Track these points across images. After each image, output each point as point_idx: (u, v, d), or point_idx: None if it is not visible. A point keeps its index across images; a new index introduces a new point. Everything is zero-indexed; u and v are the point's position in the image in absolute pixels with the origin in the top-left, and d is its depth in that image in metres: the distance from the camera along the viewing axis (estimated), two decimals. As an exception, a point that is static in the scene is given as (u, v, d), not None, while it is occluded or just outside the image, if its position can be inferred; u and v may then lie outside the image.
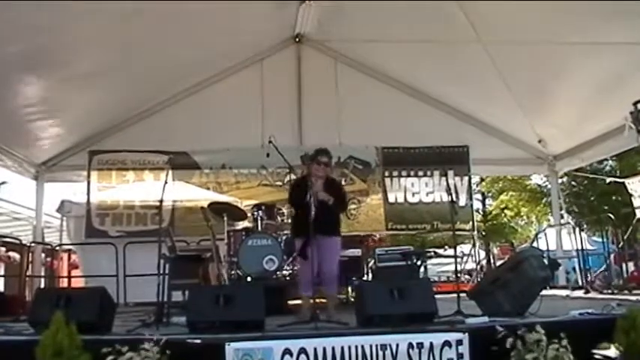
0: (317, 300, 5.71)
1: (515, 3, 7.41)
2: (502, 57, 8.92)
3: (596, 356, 4.26)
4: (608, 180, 16.20)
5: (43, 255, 10.38)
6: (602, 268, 10.33)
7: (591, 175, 17.14)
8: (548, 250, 10.26)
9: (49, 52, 7.28)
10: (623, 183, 11.50)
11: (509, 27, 8.14)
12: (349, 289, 9.00)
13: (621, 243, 10.58)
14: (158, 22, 7.75)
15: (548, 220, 18.79)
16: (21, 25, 6.43)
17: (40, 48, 7.06)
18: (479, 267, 12.57)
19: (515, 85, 9.48)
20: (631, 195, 10.48)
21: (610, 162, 18.53)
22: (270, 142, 7.49)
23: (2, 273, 9.77)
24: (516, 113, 10.12)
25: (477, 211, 21.20)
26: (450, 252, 9.96)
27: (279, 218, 8.25)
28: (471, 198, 11.27)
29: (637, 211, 10.15)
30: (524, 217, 23.67)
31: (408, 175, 10.90)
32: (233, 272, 7.38)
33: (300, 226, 6.15)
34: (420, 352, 4.22)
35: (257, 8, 8.48)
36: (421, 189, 10.86)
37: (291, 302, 7.14)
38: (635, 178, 10.87)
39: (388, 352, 4.20)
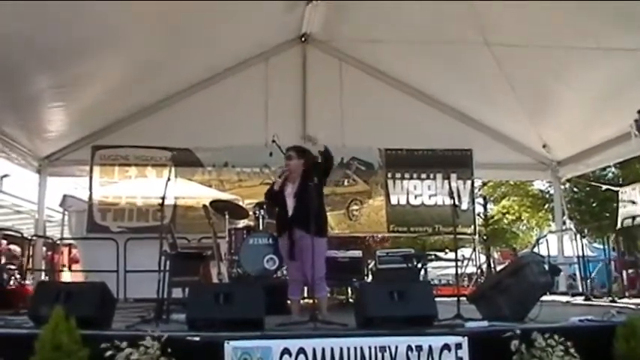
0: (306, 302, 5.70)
1: (522, 6, 7.40)
2: (508, 61, 8.89)
3: None
4: (604, 187, 16.23)
5: (44, 249, 10.39)
6: (593, 274, 10.34)
7: (592, 183, 17.13)
8: (549, 256, 10.24)
9: (60, 49, 7.30)
10: (617, 192, 11.57)
11: (516, 30, 8.12)
12: (349, 289, 9.02)
13: (621, 249, 10.58)
14: (163, 20, 7.75)
15: (550, 226, 18.78)
16: (34, 24, 6.46)
17: (50, 45, 7.08)
18: (479, 271, 12.54)
19: (521, 90, 9.46)
20: (631, 203, 10.50)
21: (612, 169, 18.49)
22: (273, 141, 7.49)
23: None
24: (521, 118, 10.10)
25: (479, 215, 21.15)
26: (451, 255, 9.93)
27: (280, 218, 8.23)
28: (473, 202, 11.27)
29: (621, 220, 10.19)
30: (526, 223, 23.62)
31: (411, 178, 10.89)
32: (234, 270, 7.37)
33: (279, 223, 6.25)
34: (419, 355, 4.22)
35: (264, 8, 8.48)
36: (423, 191, 10.85)
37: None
38: (628, 187, 10.90)
39: (387, 354, 4.20)
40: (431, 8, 8.17)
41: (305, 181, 5.89)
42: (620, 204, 10.91)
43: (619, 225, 10.15)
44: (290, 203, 5.99)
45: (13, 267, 9.30)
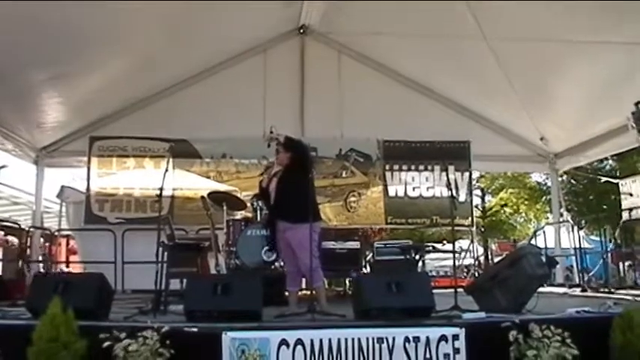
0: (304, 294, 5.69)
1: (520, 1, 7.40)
2: (506, 53, 8.88)
3: None
4: (603, 179, 16.25)
5: (41, 240, 10.38)
6: (596, 269, 10.35)
7: (590, 175, 17.17)
8: (546, 248, 10.27)
9: (58, 42, 7.27)
10: (617, 184, 11.56)
11: (514, 24, 8.10)
12: (347, 281, 9.04)
13: (613, 241, 10.61)
14: (161, 11, 7.71)
15: (547, 218, 18.83)
16: (31, 17, 6.43)
17: (48, 39, 7.06)
18: (477, 263, 12.59)
19: (519, 82, 9.44)
20: (629, 195, 10.50)
21: (610, 161, 18.53)
22: (271, 132, 7.48)
23: (0, 257, 9.76)
24: (519, 110, 10.09)
25: (477, 207, 21.21)
26: (449, 247, 9.96)
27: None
28: (470, 194, 11.25)
29: (625, 212, 10.19)
30: (523, 215, 23.70)
31: (409, 169, 10.87)
32: (231, 262, 7.38)
33: (269, 216, 6.27)
34: (416, 346, 4.24)
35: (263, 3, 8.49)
36: (421, 183, 10.83)
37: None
38: (629, 179, 10.90)
39: (385, 345, 4.22)
40: (430, 2, 8.15)
41: (285, 174, 5.90)
42: (622, 196, 10.90)
43: (624, 217, 10.11)
44: (272, 197, 5.99)
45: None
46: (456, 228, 9.39)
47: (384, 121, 10.59)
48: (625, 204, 10.54)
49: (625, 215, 10.16)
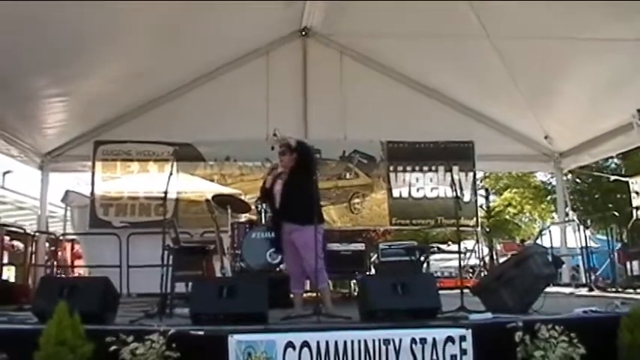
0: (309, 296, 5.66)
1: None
2: (510, 53, 8.87)
3: None
4: (612, 178, 16.17)
5: (47, 244, 10.40)
6: (602, 269, 10.30)
7: (596, 173, 17.10)
8: (552, 248, 10.24)
9: (57, 43, 7.26)
10: (627, 182, 11.48)
11: (517, 23, 8.09)
12: (352, 283, 9.03)
13: (624, 241, 10.53)
14: (163, 15, 7.72)
15: (552, 218, 18.77)
16: (31, 17, 6.43)
17: (48, 39, 7.06)
18: (482, 263, 12.54)
19: (523, 81, 9.43)
20: (635, 194, 10.43)
21: (615, 160, 18.47)
22: (274, 134, 7.48)
23: (6, 261, 9.78)
24: (523, 109, 10.07)
25: (481, 207, 21.17)
26: (454, 247, 9.93)
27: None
28: (475, 194, 11.25)
29: (635, 211, 10.14)
30: (528, 214, 23.64)
31: (413, 170, 10.87)
32: (236, 264, 7.38)
33: (273, 218, 6.22)
34: (423, 348, 4.21)
35: (264, 3, 8.48)
36: (425, 184, 10.82)
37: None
38: (639, 177, 10.83)
39: (391, 347, 4.20)
40: (432, 2, 8.14)
41: (291, 176, 5.86)
42: (633, 194, 10.85)
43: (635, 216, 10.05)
44: (277, 199, 5.95)
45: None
46: (461, 228, 9.36)
47: (387, 122, 10.58)
48: (635, 202, 10.47)
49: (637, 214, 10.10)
